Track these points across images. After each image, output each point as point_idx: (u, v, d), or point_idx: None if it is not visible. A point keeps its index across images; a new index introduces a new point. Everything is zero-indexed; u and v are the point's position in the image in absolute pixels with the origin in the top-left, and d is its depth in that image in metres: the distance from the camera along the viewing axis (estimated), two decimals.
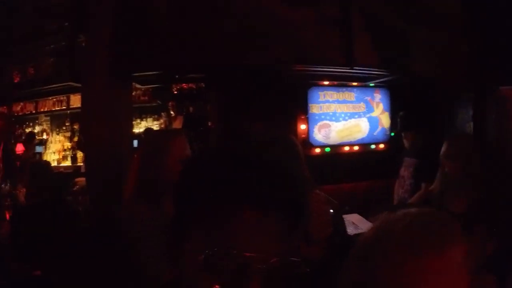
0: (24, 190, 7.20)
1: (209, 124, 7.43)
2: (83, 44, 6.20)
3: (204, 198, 1.10)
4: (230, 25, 5.31)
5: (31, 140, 9.88)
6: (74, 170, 10.79)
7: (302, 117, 7.25)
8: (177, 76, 7.17)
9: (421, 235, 1.20)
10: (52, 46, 6.99)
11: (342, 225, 3.29)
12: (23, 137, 12.88)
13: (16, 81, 7.56)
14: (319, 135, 7.32)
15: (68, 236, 4.12)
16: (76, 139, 11.63)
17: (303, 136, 7.12)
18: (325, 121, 7.44)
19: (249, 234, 1.03)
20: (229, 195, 1.06)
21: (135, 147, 6.46)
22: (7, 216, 6.78)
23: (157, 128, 10.34)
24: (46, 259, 3.92)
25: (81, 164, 10.65)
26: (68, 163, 11.76)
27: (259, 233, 1.04)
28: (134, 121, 8.93)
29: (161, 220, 2.92)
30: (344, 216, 3.48)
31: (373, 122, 7.65)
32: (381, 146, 7.84)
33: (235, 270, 1.01)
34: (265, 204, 1.06)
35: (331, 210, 3.17)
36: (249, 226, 1.04)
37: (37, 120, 13.14)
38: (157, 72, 6.09)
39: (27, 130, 13.13)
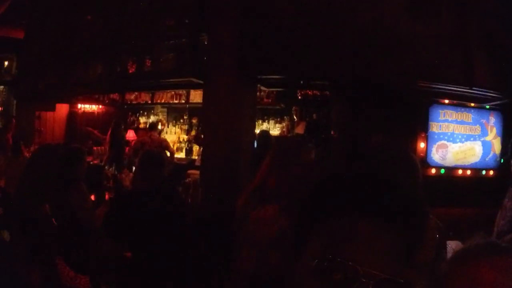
0: (131, 175, 7.39)
1: (332, 133, 7.46)
2: (205, 42, 6.41)
3: (326, 209, 1.20)
4: (354, 35, 5.42)
5: (153, 129, 10.29)
6: (188, 163, 11.15)
7: (422, 135, 7.01)
8: (301, 82, 7.29)
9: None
10: (171, 41, 7.24)
11: (444, 251, 3.19)
12: (139, 125, 13.99)
13: (130, 72, 7.87)
14: (436, 155, 7.00)
15: (174, 225, 4.39)
16: (193, 133, 12.15)
17: (422, 154, 6.74)
18: (443, 141, 7.10)
19: (364, 248, 1.05)
20: (350, 208, 1.10)
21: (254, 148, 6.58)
22: (106, 196, 7.15)
23: (278, 132, 10.55)
24: (143, 243, 4.24)
25: (196, 157, 11.14)
26: (182, 155, 12.15)
27: (375, 249, 1.06)
28: (256, 122, 8.96)
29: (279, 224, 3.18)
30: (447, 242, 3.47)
31: (486, 146, 7.26)
32: (491, 172, 7.41)
33: (343, 280, 1.04)
34: (385, 220, 1.09)
35: (437, 235, 3.13)
36: (365, 240, 1.07)
37: (152, 110, 13.96)
38: (283, 77, 6.26)
39: (141, 119, 14.09)
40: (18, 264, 2.21)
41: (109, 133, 11.86)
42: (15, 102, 15.38)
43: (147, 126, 13.01)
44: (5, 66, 15.80)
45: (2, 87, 16.74)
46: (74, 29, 10.04)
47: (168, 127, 13.28)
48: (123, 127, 12.53)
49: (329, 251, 1.06)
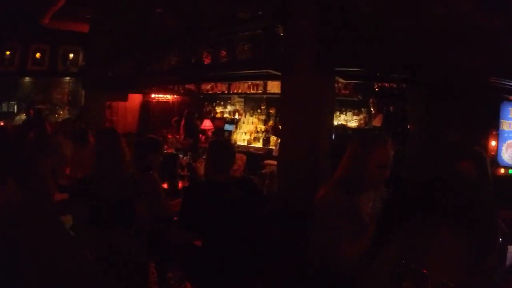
0: None
1: (408, 127, 7.34)
2: (281, 33, 6.42)
3: (404, 215, 1.19)
4: (430, 28, 5.35)
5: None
6: (265, 153, 11.42)
7: (493, 133, 6.87)
8: (378, 74, 7.22)
9: None
10: (246, 33, 7.28)
11: (505, 256, 3.22)
12: (215, 115, 14.40)
13: (206, 62, 7.97)
14: (506, 154, 6.85)
15: (249, 217, 4.45)
16: (271, 123, 12.31)
17: (492, 153, 6.75)
18: None
19: (440, 256, 1.07)
20: (430, 215, 1.12)
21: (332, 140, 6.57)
22: (180, 185, 7.32)
23: (356, 124, 10.59)
24: (216, 234, 4.30)
25: (273, 147, 11.34)
26: (259, 144, 12.40)
27: (449, 256, 1.07)
28: (334, 114, 8.86)
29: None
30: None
31: None
32: None
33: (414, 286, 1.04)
34: (463, 227, 1.09)
35: (500, 239, 3.11)
36: (441, 247, 1.07)
37: (229, 100, 14.36)
38: (360, 69, 6.22)
39: (218, 109, 14.58)
40: (79, 250, 2.27)
41: (182, 123, 12.07)
42: (83, 92, 15.92)
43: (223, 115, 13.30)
44: (71, 58, 16.57)
45: (68, 78, 17.61)
46: (144, 21, 10.39)
47: (245, 117, 13.52)
48: (196, 115, 12.98)
49: (404, 257, 1.09)
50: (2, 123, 15.12)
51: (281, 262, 4.81)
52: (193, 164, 8.38)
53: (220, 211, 4.25)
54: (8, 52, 15.48)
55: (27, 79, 16.91)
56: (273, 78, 8.41)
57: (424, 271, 1.03)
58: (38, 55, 15.98)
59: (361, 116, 10.59)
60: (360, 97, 10.08)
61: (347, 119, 10.74)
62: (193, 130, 12.01)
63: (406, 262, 1.06)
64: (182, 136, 11.99)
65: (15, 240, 2.16)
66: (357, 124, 10.65)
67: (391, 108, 8.96)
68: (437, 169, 2.96)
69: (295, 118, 6.07)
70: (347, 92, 10.01)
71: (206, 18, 8.16)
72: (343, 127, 9.03)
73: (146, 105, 15.41)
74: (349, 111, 10.85)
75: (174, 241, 5.00)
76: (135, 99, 15.06)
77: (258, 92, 12.26)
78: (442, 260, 1.06)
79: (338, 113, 10.75)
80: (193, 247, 4.85)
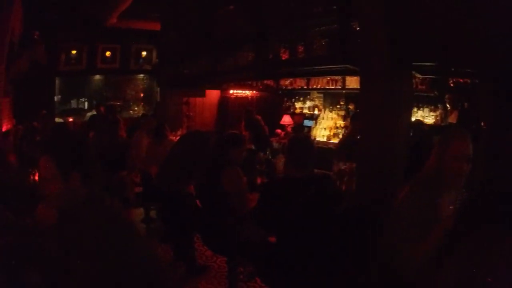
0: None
1: (482, 124, 7.19)
2: (355, 28, 6.41)
3: (476, 223, 1.19)
4: (500, 23, 5.20)
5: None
6: None
7: None
8: (452, 69, 7.10)
9: None
10: (322, 28, 7.26)
11: None
12: (295, 110, 14.46)
13: (284, 58, 8.02)
14: None
15: (326, 216, 4.42)
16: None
17: None
18: None
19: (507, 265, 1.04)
20: (502, 224, 1.10)
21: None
22: (258, 180, 7.52)
23: (433, 120, 10.48)
24: (292, 231, 4.32)
25: None
26: (338, 140, 12.33)
27: None
28: None
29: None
30: None
31: None
32: None
33: None
34: None
35: None
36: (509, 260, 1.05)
37: (308, 95, 14.59)
38: (435, 64, 6.13)
39: (297, 104, 14.74)
40: (143, 244, 2.35)
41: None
42: (158, 89, 16.99)
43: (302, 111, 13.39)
44: (143, 56, 17.58)
45: (142, 75, 18.51)
46: (216, 18, 10.75)
47: (324, 112, 13.73)
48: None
49: (471, 266, 1.15)
50: (71, 119, 16.15)
51: (352, 262, 4.81)
52: (272, 160, 8.60)
53: (297, 208, 4.27)
54: (74, 52, 16.26)
55: (97, 76, 17.80)
56: (351, 73, 8.56)
57: (489, 279, 1.02)
58: (108, 53, 16.91)
59: (437, 113, 10.49)
60: (436, 92, 10.04)
61: (424, 115, 10.92)
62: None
63: (474, 271, 1.04)
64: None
65: (77, 234, 2.27)
66: (434, 120, 10.83)
67: (465, 104, 8.81)
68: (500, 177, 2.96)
69: (372, 114, 6.05)
70: (424, 87, 10.00)
71: (280, 13, 8.21)
72: (419, 123, 8.87)
73: (224, 101, 16.11)
74: (426, 107, 10.99)
75: (249, 237, 5.06)
76: (213, 94, 15.89)
77: (337, 87, 12.51)
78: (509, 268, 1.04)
79: (415, 109, 10.96)
80: (266, 244, 4.93)
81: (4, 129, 11.19)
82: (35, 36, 12.76)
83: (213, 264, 7.40)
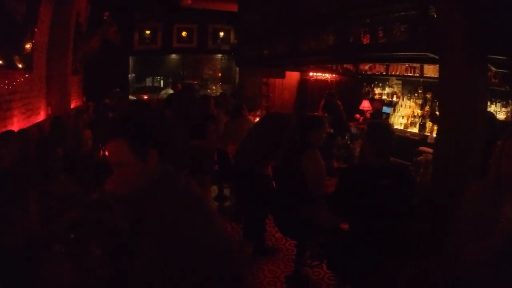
0: None
1: None
2: (435, 15, 6.32)
3: None
4: None
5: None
6: (420, 139, 11.57)
7: None
8: None
9: None
10: (402, 13, 7.18)
11: None
12: (374, 96, 14.53)
13: (364, 43, 7.97)
14: None
15: (402, 205, 4.43)
16: (427, 108, 12.42)
17: None
18: None
19: None
20: None
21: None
22: (335, 164, 7.61)
23: (504, 116, 10.16)
24: (367, 219, 4.35)
25: (428, 134, 11.49)
26: (415, 129, 12.55)
27: None
28: None
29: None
30: None
31: None
32: None
33: None
34: None
35: None
36: None
37: (387, 82, 14.50)
38: (507, 58, 6.00)
39: (376, 90, 14.72)
40: (215, 224, 2.37)
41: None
42: (237, 69, 17.37)
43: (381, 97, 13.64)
44: (221, 36, 17.89)
45: (220, 55, 18.90)
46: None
47: (403, 100, 13.59)
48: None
49: None
50: (146, 97, 16.73)
51: (422, 254, 4.79)
52: (350, 145, 8.63)
53: (373, 196, 4.29)
54: (148, 32, 16.83)
55: (173, 56, 18.34)
56: (430, 61, 8.42)
57: None
58: (184, 33, 17.35)
59: (509, 108, 10.13)
60: (507, 87, 9.64)
61: (496, 110, 10.47)
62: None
63: None
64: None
65: (148, 213, 2.33)
66: (505, 116, 10.18)
67: None
68: None
69: (450, 104, 5.95)
70: (497, 81, 9.59)
71: None
72: (491, 117, 8.47)
73: (303, 83, 16.40)
74: (498, 102, 10.56)
75: (322, 222, 5.07)
76: (293, 76, 16.20)
77: (415, 75, 12.34)
78: None
79: (488, 103, 10.25)
80: (338, 230, 5.08)
81: (72, 106, 11.61)
82: (105, 17, 13.16)
83: (281, 246, 7.54)
